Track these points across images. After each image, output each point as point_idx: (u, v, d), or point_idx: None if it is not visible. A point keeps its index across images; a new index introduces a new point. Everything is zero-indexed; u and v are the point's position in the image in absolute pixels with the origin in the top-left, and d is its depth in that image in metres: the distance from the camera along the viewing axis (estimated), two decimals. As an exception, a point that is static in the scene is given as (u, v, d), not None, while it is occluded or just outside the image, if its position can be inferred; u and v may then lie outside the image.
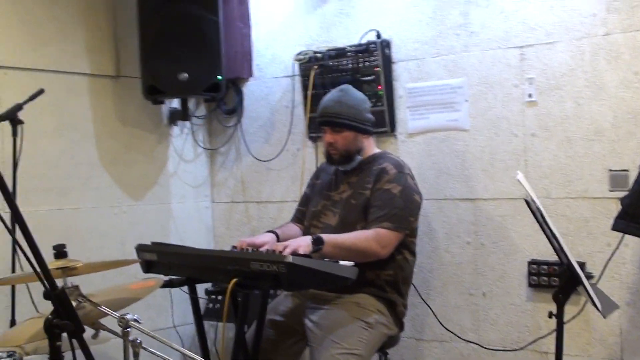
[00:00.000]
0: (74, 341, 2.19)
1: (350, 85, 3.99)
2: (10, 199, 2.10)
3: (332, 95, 3.91)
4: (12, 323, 3.83)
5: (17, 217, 2.09)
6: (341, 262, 3.38)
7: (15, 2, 4.44)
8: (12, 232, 2.13)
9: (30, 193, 4.38)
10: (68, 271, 3.16)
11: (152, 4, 4.66)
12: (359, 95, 3.94)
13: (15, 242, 2.12)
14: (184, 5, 4.65)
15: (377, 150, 3.97)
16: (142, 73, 4.74)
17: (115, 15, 4.88)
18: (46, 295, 2.13)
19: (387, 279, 3.76)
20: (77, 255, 3.71)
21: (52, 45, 4.58)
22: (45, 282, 2.11)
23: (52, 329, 2.14)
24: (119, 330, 3.00)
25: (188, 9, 4.65)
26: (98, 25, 4.80)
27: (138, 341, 3.05)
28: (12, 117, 3.78)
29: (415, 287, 4.14)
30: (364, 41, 4.44)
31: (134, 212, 4.98)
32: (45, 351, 2.40)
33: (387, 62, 4.37)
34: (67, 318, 2.12)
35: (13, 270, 3.83)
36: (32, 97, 3.93)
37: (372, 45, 4.37)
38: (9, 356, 2.73)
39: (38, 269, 2.09)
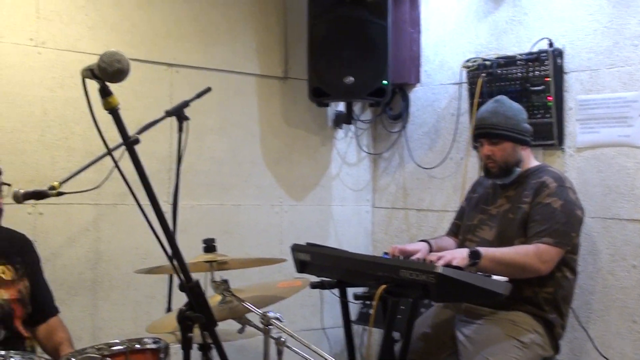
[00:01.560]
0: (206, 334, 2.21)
1: (505, 96, 3.86)
2: (152, 193, 2.14)
3: (487, 106, 3.79)
4: (168, 311, 3.95)
5: (155, 208, 2.14)
6: (494, 277, 3.25)
7: (189, 3, 4.60)
8: (151, 224, 2.16)
9: (193, 188, 4.53)
10: (217, 265, 3.23)
11: (321, 7, 4.70)
12: (515, 105, 3.79)
13: (154, 233, 2.15)
14: (353, 9, 4.66)
15: (535, 163, 3.81)
16: (308, 75, 4.79)
17: (285, 18, 4.96)
18: (181, 288, 2.17)
19: (545, 297, 3.59)
20: (236, 251, 3.81)
21: (223, 45, 4.72)
22: (180, 274, 2.14)
23: (184, 320, 2.17)
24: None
25: (357, 12, 4.66)
26: (268, 27, 4.90)
27: (282, 339, 3.08)
28: (179, 113, 3.89)
29: (573, 309, 3.93)
30: (535, 50, 4.27)
31: (294, 212, 5.03)
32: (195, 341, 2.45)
33: (559, 72, 4.19)
34: (199, 311, 2.14)
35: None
36: (199, 95, 4.04)
37: (544, 54, 4.20)
38: (154, 342, 2.80)
39: (174, 262, 2.12)
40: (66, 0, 4.20)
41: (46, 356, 3.33)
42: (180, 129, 3.92)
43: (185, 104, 3.95)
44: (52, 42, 4.14)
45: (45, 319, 3.51)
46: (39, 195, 3.07)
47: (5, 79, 4.00)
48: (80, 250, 4.21)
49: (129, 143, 2.15)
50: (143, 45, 4.44)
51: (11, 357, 2.62)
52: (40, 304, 3.49)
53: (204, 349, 2.85)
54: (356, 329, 5.02)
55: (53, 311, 3.56)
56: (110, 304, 4.31)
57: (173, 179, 3.93)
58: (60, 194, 3.07)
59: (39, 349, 3.45)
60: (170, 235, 2.17)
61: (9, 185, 3.37)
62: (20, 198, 3.04)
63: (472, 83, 4.58)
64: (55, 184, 3.08)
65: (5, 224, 3.49)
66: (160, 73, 4.50)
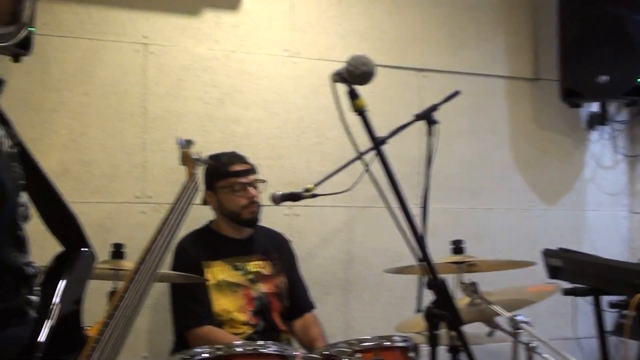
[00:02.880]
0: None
1: None
2: (401, 196, 2.19)
3: None
4: (418, 311, 3.99)
5: (405, 211, 2.19)
6: None
7: (438, 8, 4.64)
8: (400, 225, 2.21)
9: (443, 191, 4.55)
10: (465, 267, 3.23)
11: (574, 5, 4.57)
12: None
13: (404, 235, 2.20)
14: (607, 6, 4.48)
15: None
16: (560, 76, 4.66)
17: (534, 18, 4.86)
18: (429, 285, 2.20)
19: None
20: (486, 255, 3.78)
21: (471, 48, 4.71)
22: (429, 272, 2.18)
23: (431, 317, 2.19)
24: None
25: (612, 9, 4.47)
26: (517, 29, 4.82)
27: (532, 345, 3.02)
28: (428, 117, 3.93)
29: None
30: None
31: (547, 217, 4.90)
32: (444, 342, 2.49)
33: None
34: (446, 309, 2.16)
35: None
36: (448, 99, 4.04)
37: None
38: (403, 340, 2.86)
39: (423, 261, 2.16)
40: (318, 12, 4.38)
41: (303, 350, 3.49)
42: (429, 133, 3.94)
43: (434, 107, 3.96)
44: (306, 52, 4.34)
45: (301, 313, 3.68)
46: (294, 197, 3.24)
47: (263, 88, 4.24)
48: (334, 250, 4.36)
49: (377, 143, 2.22)
50: (392, 52, 4.53)
51: (269, 346, 2.78)
52: (296, 300, 3.67)
53: (453, 351, 2.86)
54: (612, 340, 4.80)
55: (308, 307, 3.73)
56: (362, 303, 4.43)
57: (423, 182, 3.97)
58: (314, 195, 3.22)
59: (295, 345, 3.62)
60: (420, 237, 2.21)
61: (264, 181, 3.62)
62: (278, 200, 3.23)
63: None
64: (310, 186, 3.23)
65: (264, 224, 3.71)
66: (409, 78, 4.57)
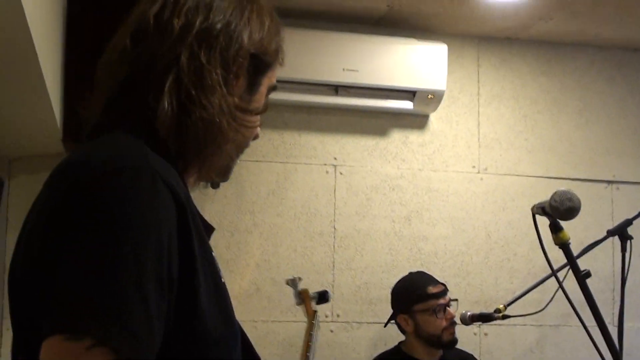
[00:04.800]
0: None
1: None
2: (598, 313, 2.13)
3: None
4: None
5: (602, 329, 2.12)
6: None
7: (627, 118, 4.52)
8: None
9: (638, 309, 4.33)
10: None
11: None
12: None
13: (600, 355, 2.13)
14: None
15: None
16: None
17: None
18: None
19: None
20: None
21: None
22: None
23: None
24: None
25: None
26: None
27: None
28: (621, 232, 3.80)
29: None
30: None
31: None
32: None
33: None
34: None
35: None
36: (642, 213, 3.91)
37: None
38: None
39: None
40: (505, 128, 4.39)
41: None
42: (623, 249, 3.81)
43: (629, 222, 3.84)
44: (493, 167, 4.34)
45: None
46: (485, 318, 3.20)
47: (451, 205, 4.26)
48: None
49: (581, 277, 2.19)
50: (582, 164, 4.45)
51: None
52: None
53: None
54: None
55: None
56: None
57: (617, 300, 3.82)
58: (505, 317, 3.16)
59: None
60: (617, 358, 2.12)
61: (456, 300, 3.61)
62: (468, 320, 3.20)
63: None
64: (501, 307, 3.18)
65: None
66: (600, 191, 4.45)
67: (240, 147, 1.34)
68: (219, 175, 1.38)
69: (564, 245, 2.19)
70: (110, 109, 1.24)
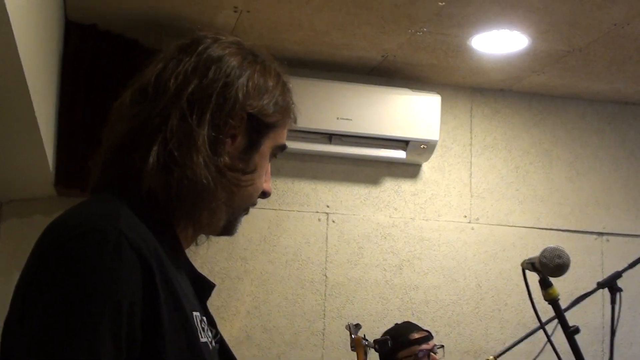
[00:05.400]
0: None
1: None
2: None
3: None
4: None
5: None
6: None
7: (618, 171, 4.56)
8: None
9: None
10: None
11: None
12: None
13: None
14: None
15: None
16: None
17: None
18: None
19: None
20: None
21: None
22: None
23: None
24: None
25: None
26: None
27: None
28: (611, 284, 3.81)
29: None
30: None
31: None
32: None
33: None
34: None
35: None
36: (633, 265, 3.92)
37: None
38: None
39: None
40: (497, 179, 4.42)
41: None
42: (612, 301, 3.82)
43: (618, 275, 3.85)
44: (485, 217, 4.36)
45: None
46: (473, 368, 3.19)
47: (442, 255, 4.27)
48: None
49: (569, 333, 2.19)
50: (572, 216, 4.47)
51: None
52: None
53: None
54: None
55: None
56: None
57: (607, 352, 3.82)
58: (495, 368, 3.16)
59: None
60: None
61: (442, 346, 3.58)
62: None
63: None
64: (491, 358, 3.17)
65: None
66: (590, 242, 4.47)
67: (241, 205, 1.33)
68: (222, 231, 1.38)
69: (553, 301, 2.20)
70: (106, 168, 1.26)
